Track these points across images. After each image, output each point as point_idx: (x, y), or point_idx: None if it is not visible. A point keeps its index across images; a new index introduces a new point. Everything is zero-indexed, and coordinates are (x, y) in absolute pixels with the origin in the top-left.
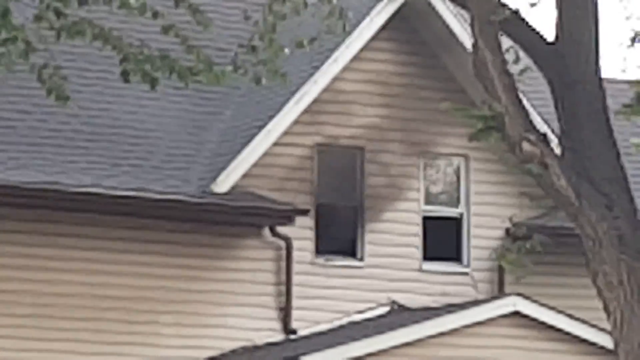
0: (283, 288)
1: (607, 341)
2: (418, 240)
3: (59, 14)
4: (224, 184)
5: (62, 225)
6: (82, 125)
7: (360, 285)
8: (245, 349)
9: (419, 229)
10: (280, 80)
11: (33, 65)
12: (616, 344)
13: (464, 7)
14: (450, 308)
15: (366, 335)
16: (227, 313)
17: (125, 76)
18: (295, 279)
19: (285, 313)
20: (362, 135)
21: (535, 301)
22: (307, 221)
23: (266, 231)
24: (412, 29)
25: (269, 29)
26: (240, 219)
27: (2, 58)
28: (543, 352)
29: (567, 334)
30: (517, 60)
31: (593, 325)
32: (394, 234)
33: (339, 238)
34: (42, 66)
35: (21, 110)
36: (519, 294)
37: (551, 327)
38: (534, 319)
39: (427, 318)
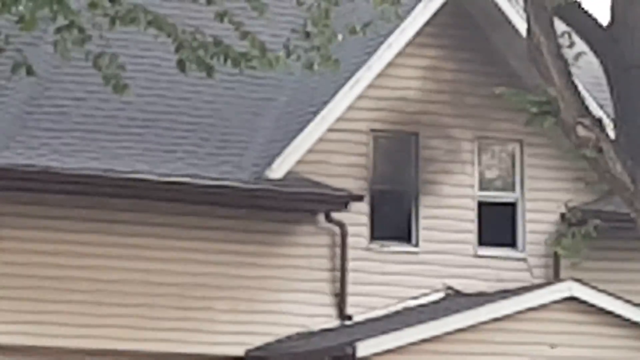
0: (338, 274)
1: None
2: (473, 226)
3: (113, 1)
4: (278, 170)
5: (117, 212)
6: (137, 112)
7: (415, 271)
8: (300, 335)
9: (474, 215)
10: (332, 67)
11: (88, 53)
12: None
13: None
14: (506, 294)
15: (421, 321)
16: (281, 299)
17: (181, 65)
18: (350, 264)
19: (340, 299)
20: (416, 120)
21: (591, 286)
22: (362, 207)
23: (321, 217)
24: (466, 14)
25: (323, 15)
26: (295, 205)
27: (57, 45)
28: (599, 337)
29: (623, 318)
30: (571, 45)
31: None
32: (448, 220)
33: (394, 224)
34: (98, 55)
35: (75, 98)
36: (574, 279)
37: (607, 312)
38: (589, 304)
39: (482, 304)
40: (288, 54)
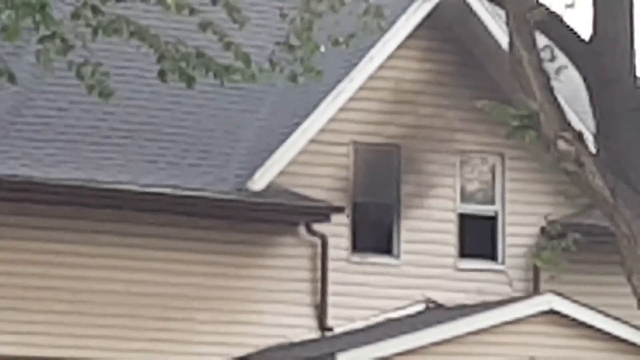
0: (318, 285)
1: None
2: (453, 238)
3: (95, 11)
4: (260, 181)
5: (99, 223)
6: (119, 122)
7: (396, 283)
8: (280, 346)
9: (454, 227)
10: (316, 78)
11: (71, 63)
12: None
13: (500, 5)
14: (486, 306)
15: (402, 333)
16: (262, 310)
17: (162, 76)
18: (331, 276)
19: (320, 310)
20: (398, 133)
21: (570, 299)
22: (343, 219)
23: (302, 228)
24: (448, 27)
25: (306, 27)
26: (276, 217)
27: (40, 56)
28: (578, 350)
29: (603, 332)
30: (552, 58)
31: (628, 323)
32: (429, 232)
33: (375, 235)
34: (81, 63)
35: (58, 108)
36: (554, 292)
37: (586, 325)
38: (569, 317)
39: (463, 316)
40: (272, 67)
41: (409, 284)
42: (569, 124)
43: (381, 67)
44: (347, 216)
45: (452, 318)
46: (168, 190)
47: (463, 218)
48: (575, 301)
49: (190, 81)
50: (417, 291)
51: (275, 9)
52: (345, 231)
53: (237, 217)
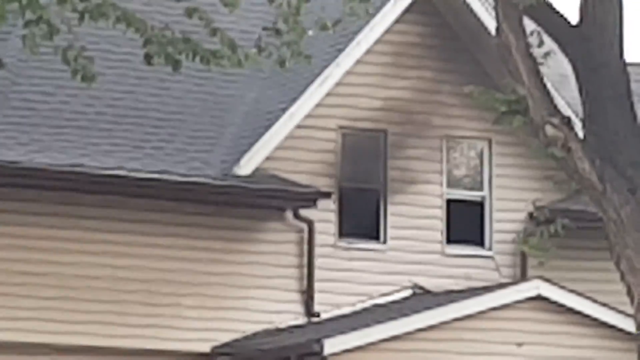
0: (305, 271)
1: (629, 325)
2: (441, 224)
3: None
4: (246, 166)
5: (85, 208)
6: (105, 107)
7: (383, 269)
8: (267, 332)
9: (441, 212)
10: (304, 62)
11: (57, 47)
12: (638, 328)
13: None
14: (473, 292)
15: (389, 319)
16: (249, 296)
17: (148, 59)
18: (318, 261)
19: (307, 296)
20: (385, 118)
21: (558, 285)
22: (330, 204)
23: (289, 214)
24: (435, 12)
25: (293, 12)
26: (263, 202)
27: (26, 40)
28: (566, 335)
29: (590, 317)
30: (541, 43)
31: (616, 309)
32: (416, 217)
33: (362, 221)
34: (66, 48)
35: (44, 92)
36: (541, 278)
37: (574, 311)
38: (556, 303)
39: (450, 301)
40: (260, 52)
41: (396, 270)
42: (557, 109)
43: (368, 52)
44: (334, 202)
45: (440, 304)
46: (154, 176)
47: (450, 203)
48: (562, 287)
49: (176, 64)
50: (404, 277)
51: None
52: (332, 217)
53: (224, 202)
